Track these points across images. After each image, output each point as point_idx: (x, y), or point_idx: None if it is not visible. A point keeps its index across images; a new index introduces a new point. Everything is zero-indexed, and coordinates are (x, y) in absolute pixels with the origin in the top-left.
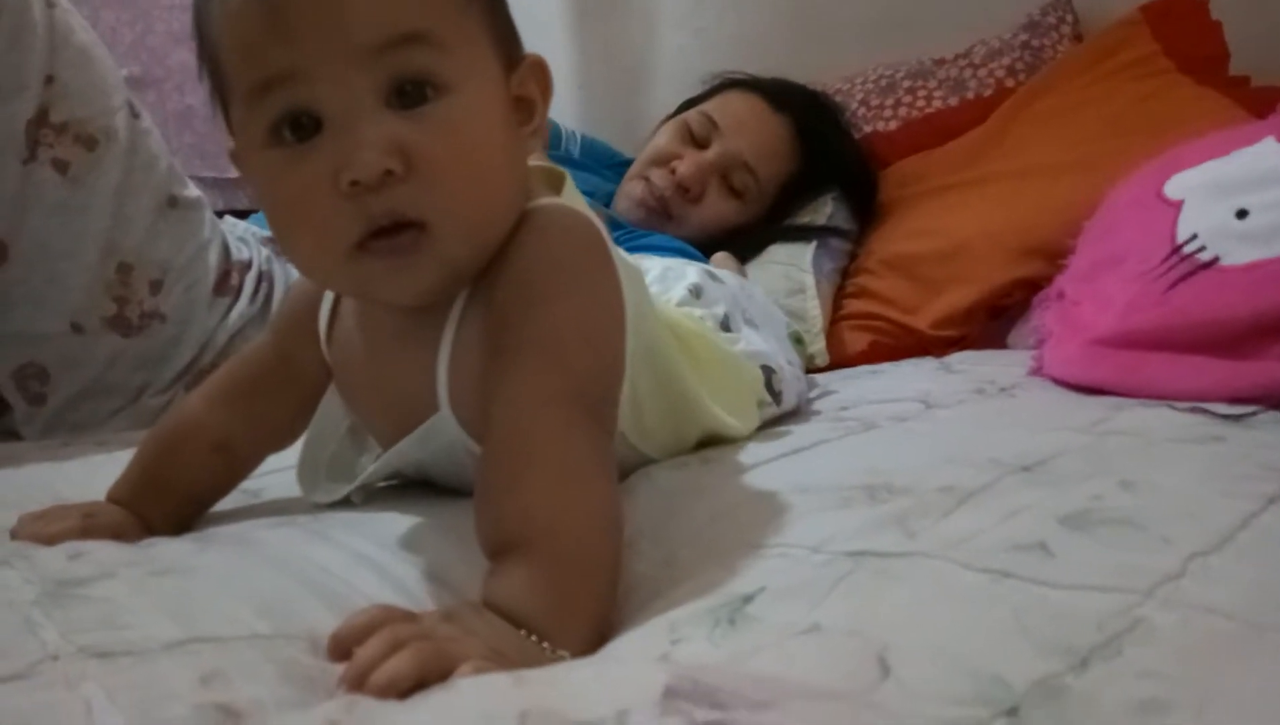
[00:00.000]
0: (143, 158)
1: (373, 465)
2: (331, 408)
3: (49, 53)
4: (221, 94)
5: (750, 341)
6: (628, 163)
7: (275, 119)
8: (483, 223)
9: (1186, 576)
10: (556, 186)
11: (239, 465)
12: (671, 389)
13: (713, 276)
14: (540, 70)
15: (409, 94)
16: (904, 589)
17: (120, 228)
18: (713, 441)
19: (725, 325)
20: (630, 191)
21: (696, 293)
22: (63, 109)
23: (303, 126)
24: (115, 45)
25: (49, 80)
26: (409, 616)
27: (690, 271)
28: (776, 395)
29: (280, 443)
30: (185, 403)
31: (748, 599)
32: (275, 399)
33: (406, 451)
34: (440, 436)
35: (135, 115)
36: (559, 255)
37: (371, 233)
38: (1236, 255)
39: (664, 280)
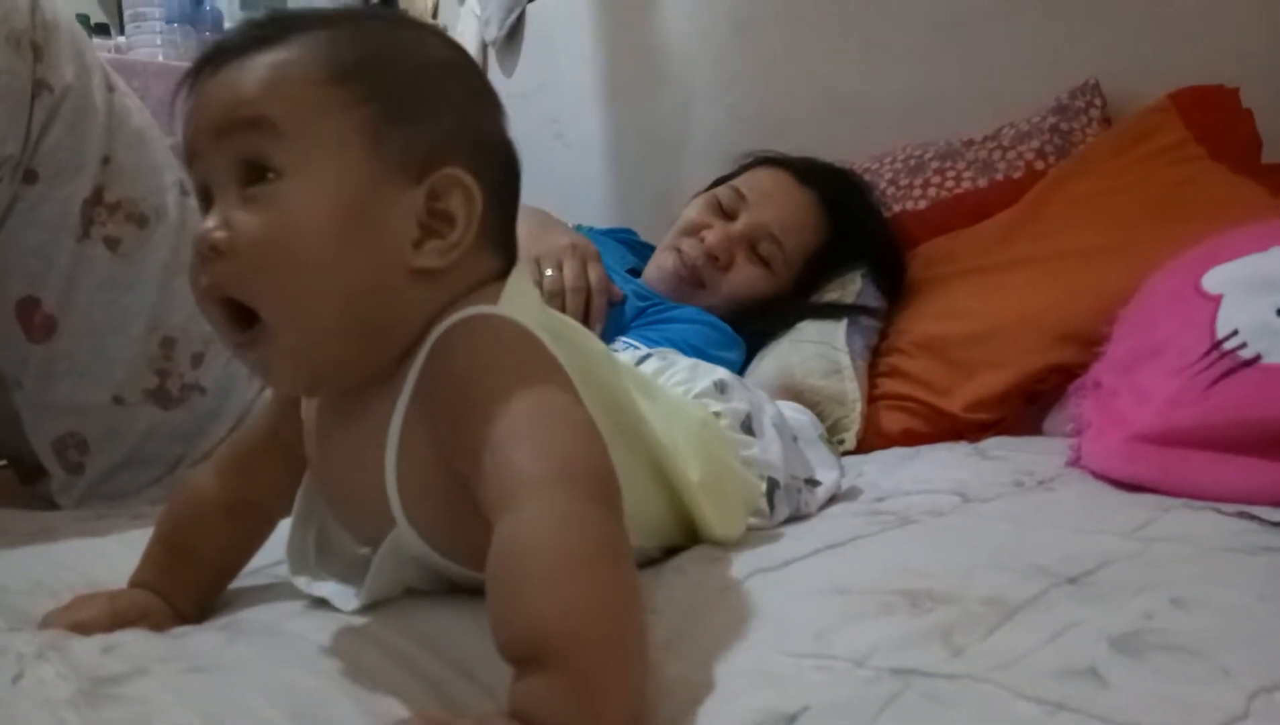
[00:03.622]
0: (191, 235)
1: (356, 600)
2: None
3: (107, 134)
4: None
5: (766, 449)
6: (652, 247)
7: (198, 193)
8: (307, 310)
9: (1251, 718)
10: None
11: (252, 529)
12: (645, 459)
13: (742, 383)
14: (465, 189)
15: (251, 175)
16: (955, 717)
17: (166, 303)
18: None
19: (747, 425)
20: (662, 263)
21: (721, 388)
22: (117, 188)
23: (206, 200)
24: (162, 114)
25: (105, 161)
26: (445, 723)
27: (719, 371)
28: (773, 508)
29: (287, 508)
30: (198, 474)
31: (792, 719)
32: (274, 465)
33: (380, 576)
34: (405, 551)
35: (185, 193)
36: (492, 359)
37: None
38: (1279, 353)
39: (693, 372)
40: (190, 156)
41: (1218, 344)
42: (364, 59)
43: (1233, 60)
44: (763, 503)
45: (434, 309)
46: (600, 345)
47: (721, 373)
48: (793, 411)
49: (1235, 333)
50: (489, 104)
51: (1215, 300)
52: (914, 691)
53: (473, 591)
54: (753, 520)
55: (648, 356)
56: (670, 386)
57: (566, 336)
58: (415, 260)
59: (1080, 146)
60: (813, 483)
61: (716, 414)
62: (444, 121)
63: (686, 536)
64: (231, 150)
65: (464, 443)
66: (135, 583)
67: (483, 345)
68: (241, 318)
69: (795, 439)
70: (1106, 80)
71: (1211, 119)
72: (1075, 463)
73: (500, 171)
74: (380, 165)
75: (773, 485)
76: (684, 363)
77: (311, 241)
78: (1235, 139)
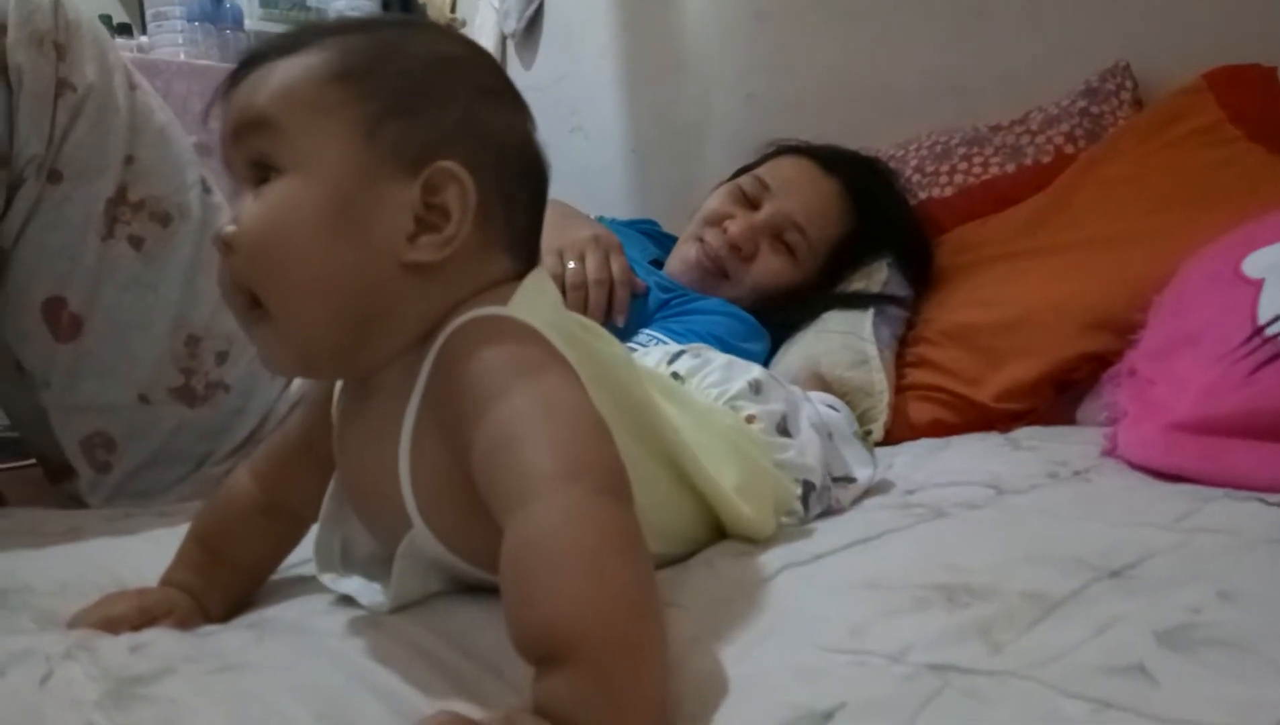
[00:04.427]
0: (214, 232)
1: (381, 597)
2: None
3: (129, 133)
4: None
5: (804, 450)
6: (674, 238)
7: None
8: (301, 298)
9: None
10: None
11: (285, 532)
12: (665, 463)
13: (777, 380)
14: (459, 184)
15: (261, 174)
16: (998, 715)
17: (190, 301)
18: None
19: (783, 427)
20: (685, 254)
21: (756, 388)
22: (140, 187)
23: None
24: (185, 114)
25: (129, 160)
26: (471, 724)
27: (755, 369)
28: (807, 510)
29: (318, 513)
30: (235, 474)
31: (827, 716)
32: (307, 469)
33: (403, 581)
34: (423, 553)
35: (208, 191)
36: (496, 359)
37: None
38: None
39: (728, 371)
40: (224, 164)
41: (1260, 330)
42: (368, 58)
43: (1268, 38)
44: (797, 505)
45: (436, 306)
46: (621, 349)
47: (756, 371)
48: (827, 408)
49: (1278, 318)
50: (501, 102)
51: (1257, 285)
52: (954, 689)
53: (495, 590)
54: (785, 519)
55: (681, 353)
56: (704, 387)
57: (582, 339)
58: (408, 254)
59: (1111, 130)
60: (848, 480)
61: (751, 418)
62: (445, 117)
63: (711, 539)
64: (245, 152)
65: (471, 442)
66: (167, 582)
67: (487, 345)
68: (258, 307)
69: (830, 436)
70: (1137, 61)
71: (1247, 99)
72: (1111, 452)
73: (509, 169)
74: (373, 159)
75: (808, 488)
76: (719, 361)
77: (301, 232)
78: (1273, 119)
